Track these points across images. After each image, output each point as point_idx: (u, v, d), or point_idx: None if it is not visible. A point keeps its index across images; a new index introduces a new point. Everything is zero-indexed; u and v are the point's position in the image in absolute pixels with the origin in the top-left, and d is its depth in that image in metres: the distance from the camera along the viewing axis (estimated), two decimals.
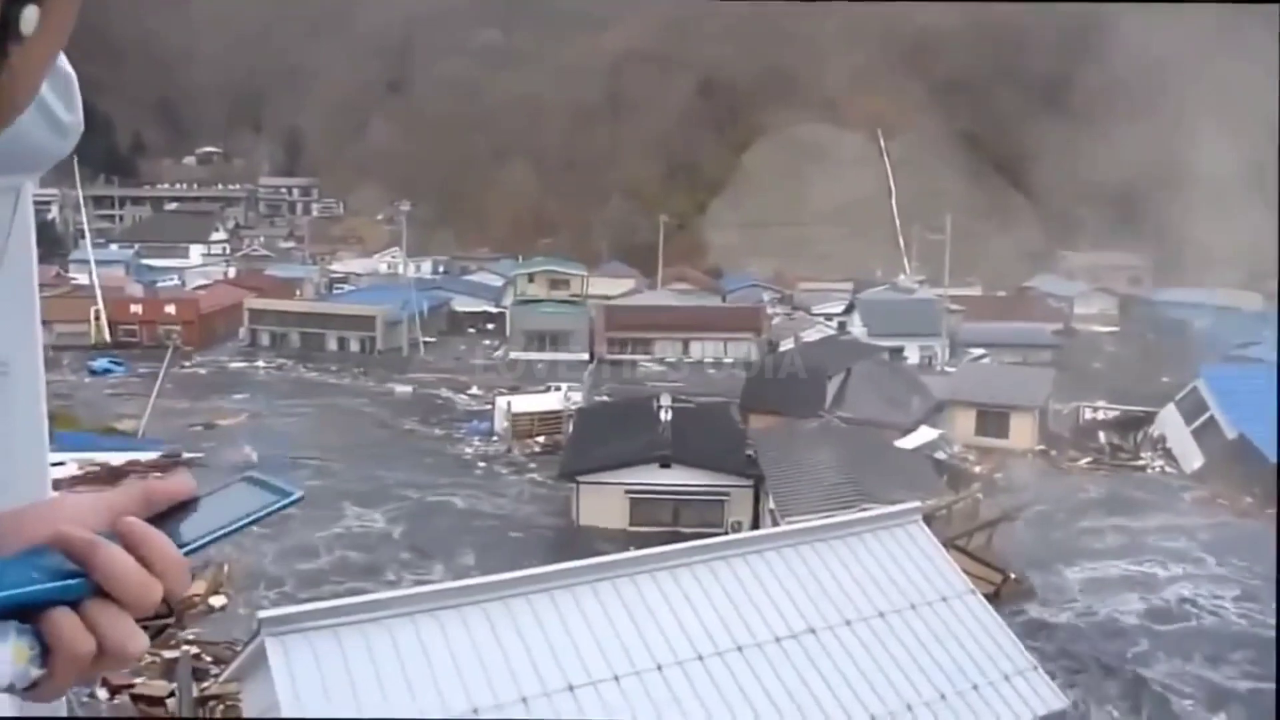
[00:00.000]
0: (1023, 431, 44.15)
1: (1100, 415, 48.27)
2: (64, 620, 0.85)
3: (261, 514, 1.00)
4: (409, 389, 58.62)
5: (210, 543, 0.93)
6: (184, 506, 0.95)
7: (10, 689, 0.86)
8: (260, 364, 67.98)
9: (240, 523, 0.98)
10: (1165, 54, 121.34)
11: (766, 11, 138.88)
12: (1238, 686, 23.66)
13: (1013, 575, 27.04)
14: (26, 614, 0.85)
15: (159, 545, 0.88)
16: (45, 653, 0.86)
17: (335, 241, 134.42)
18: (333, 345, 72.56)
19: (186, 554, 0.91)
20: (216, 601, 26.09)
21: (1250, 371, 46.37)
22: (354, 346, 72.26)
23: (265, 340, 74.07)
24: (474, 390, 56.95)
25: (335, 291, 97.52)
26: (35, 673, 0.86)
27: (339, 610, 11.26)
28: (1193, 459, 41.64)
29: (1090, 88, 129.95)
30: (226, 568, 27.60)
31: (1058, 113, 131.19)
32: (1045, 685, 14.01)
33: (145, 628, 0.88)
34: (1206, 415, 42.07)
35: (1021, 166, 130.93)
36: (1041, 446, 44.95)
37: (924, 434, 39.60)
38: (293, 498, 1.01)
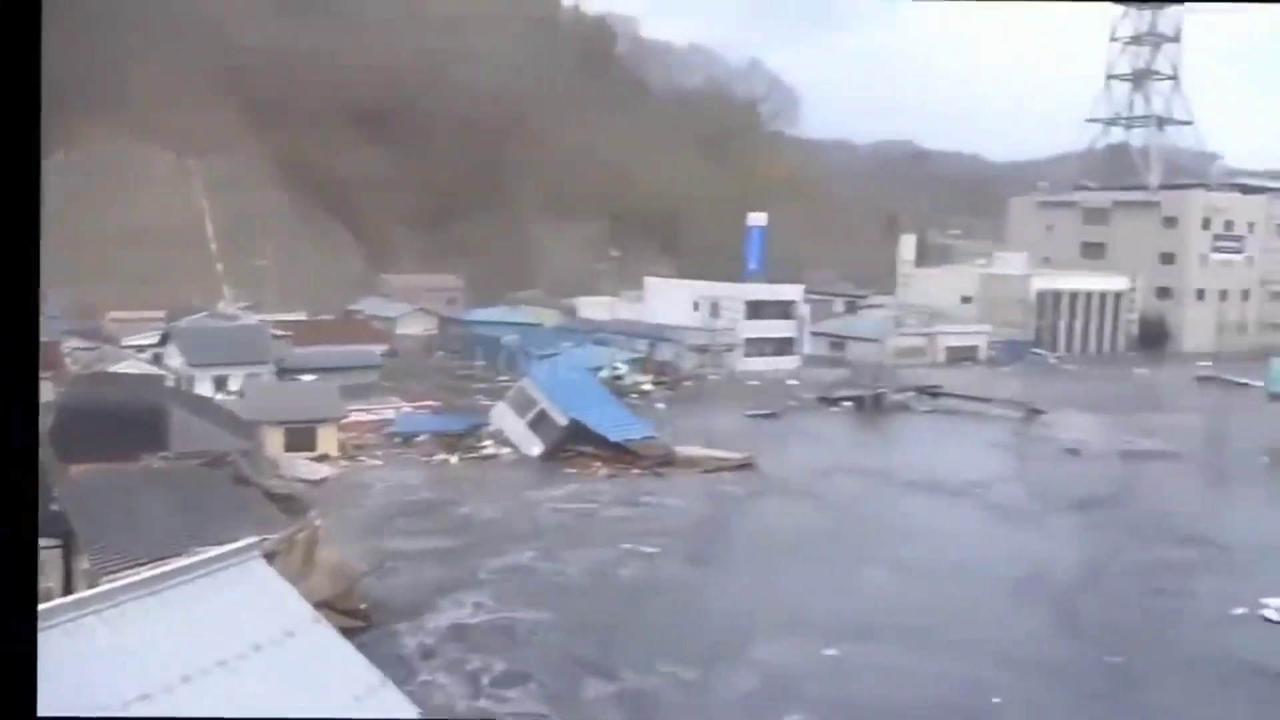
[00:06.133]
0: (329, 440, 48.31)
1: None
2: None
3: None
4: None
5: None
6: None
7: None
8: None
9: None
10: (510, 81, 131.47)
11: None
12: None
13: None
14: None
15: None
16: None
17: None
18: None
19: None
20: None
21: (563, 370, 60.75)
22: None
23: None
24: None
25: None
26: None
27: None
28: (532, 445, 49.12)
29: (406, 115, 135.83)
30: None
31: (378, 139, 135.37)
32: (397, 698, 14.09)
33: None
34: (538, 409, 50.29)
35: (343, 191, 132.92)
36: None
37: None
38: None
